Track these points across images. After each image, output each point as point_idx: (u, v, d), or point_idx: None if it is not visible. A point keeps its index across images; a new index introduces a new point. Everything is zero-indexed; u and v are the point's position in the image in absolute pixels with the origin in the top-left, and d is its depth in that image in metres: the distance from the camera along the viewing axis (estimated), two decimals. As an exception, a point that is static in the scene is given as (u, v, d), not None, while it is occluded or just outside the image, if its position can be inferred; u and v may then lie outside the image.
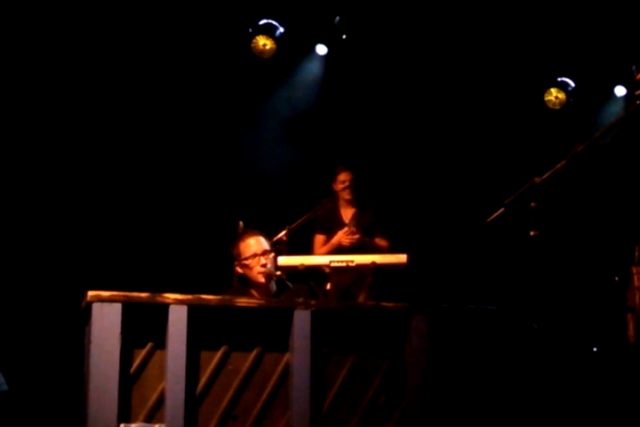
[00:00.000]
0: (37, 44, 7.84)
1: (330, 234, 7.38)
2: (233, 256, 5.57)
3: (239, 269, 5.52)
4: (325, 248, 7.28)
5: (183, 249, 7.99)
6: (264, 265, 5.42)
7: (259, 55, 8.57)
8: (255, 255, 5.43)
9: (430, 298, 7.36)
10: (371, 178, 7.82)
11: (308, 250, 7.29)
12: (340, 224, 7.40)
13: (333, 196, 7.31)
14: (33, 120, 7.85)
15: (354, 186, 7.44)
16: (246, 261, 5.44)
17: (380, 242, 7.35)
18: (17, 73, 7.76)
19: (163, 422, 4.25)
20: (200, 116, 8.38)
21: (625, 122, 4.00)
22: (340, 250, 7.13)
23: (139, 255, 7.83)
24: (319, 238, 7.43)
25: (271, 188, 8.46)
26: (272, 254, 5.53)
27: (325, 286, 6.20)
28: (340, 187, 7.43)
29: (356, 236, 7.19)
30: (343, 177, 7.41)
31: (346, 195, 7.44)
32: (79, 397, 4.59)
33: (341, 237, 7.22)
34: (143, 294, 4.33)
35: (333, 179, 7.46)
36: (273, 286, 5.52)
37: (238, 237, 5.62)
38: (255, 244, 5.49)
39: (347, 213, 7.48)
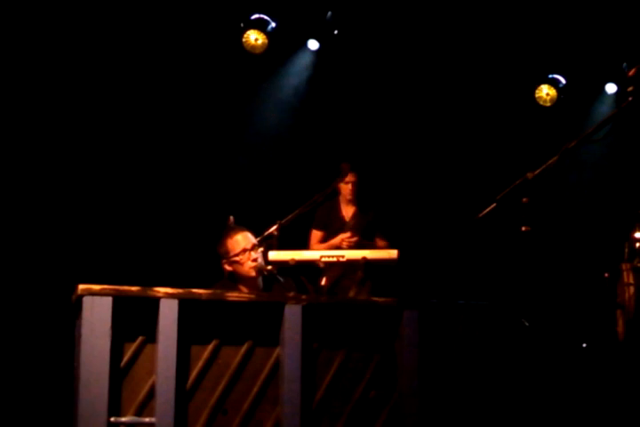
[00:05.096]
0: (27, 38, 7.82)
1: (328, 230, 7.35)
2: (220, 255, 5.56)
3: (228, 267, 5.53)
4: (323, 247, 7.24)
5: (174, 243, 7.99)
6: (255, 259, 5.44)
7: (250, 50, 8.56)
8: (245, 250, 5.45)
9: (421, 293, 7.37)
10: (370, 176, 7.80)
11: (299, 245, 7.27)
12: (340, 221, 7.38)
13: (325, 191, 7.27)
14: (23, 114, 7.82)
15: (357, 187, 7.41)
16: (236, 257, 5.45)
17: (380, 243, 7.34)
18: (14, 73, 7.73)
19: (153, 415, 4.25)
20: (190, 111, 8.37)
21: (617, 118, 4.00)
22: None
23: (129, 249, 7.82)
24: (316, 234, 7.40)
25: (262, 182, 8.45)
26: (261, 249, 5.53)
27: (320, 280, 6.21)
28: (343, 187, 7.39)
29: (355, 238, 7.16)
30: (348, 178, 7.37)
31: (348, 195, 7.42)
32: (69, 390, 4.58)
33: (342, 239, 7.18)
34: (134, 288, 4.33)
35: (339, 175, 7.39)
36: (260, 282, 5.53)
37: (224, 235, 5.61)
38: (243, 239, 5.51)
39: (347, 211, 7.46)
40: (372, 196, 7.52)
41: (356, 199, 7.46)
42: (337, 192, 7.43)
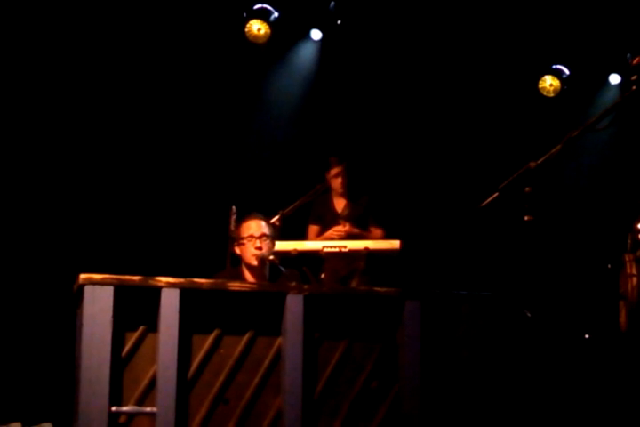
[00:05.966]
0: (27, 37, 7.81)
1: (323, 224, 7.35)
2: (234, 237, 5.64)
3: (237, 250, 5.60)
4: (318, 240, 7.23)
5: (176, 232, 7.98)
6: (259, 248, 5.46)
7: (253, 40, 8.54)
8: (252, 237, 5.49)
9: (423, 283, 7.36)
10: (363, 166, 7.78)
11: (301, 236, 7.28)
12: (333, 214, 7.37)
13: (325, 182, 7.28)
14: (26, 108, 7.81)
15: (346, 179, 7.40)
16: (242, 241, 5.49)
17: (375, 231, 7.33)
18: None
19: (154, 405, 4.25)
20: (193, 102, 8.35)
21: (621, 107, 3.98)
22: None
23: (131, 238, 7.82)
24: (313, 229, 7.40)
25: (265, 173, 8.43)
26: (269, 240, 5.54)
27: (320, 275, 6.21)
28: (333, 180, 7.39)
29: (346, 228, 7.16)
30: (335, 171, 7.37)
31: (338, 187, 7.41)
32: (70, 380, 4.58)
33: (333, 230, 7.18)
34: (135, 278, 4.33)
35: (328, 169, 7.40)
36: (267, 271, 5.55)
37: (243, 218, 5.66)
38: (255, 226, 5.56)
39: (339, 203, 7.45)
40: (363, 185, 7.50)
41: (347, 191, 7.44)
42: (330, 186, 7.41)
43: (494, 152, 8.75)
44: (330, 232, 7.16)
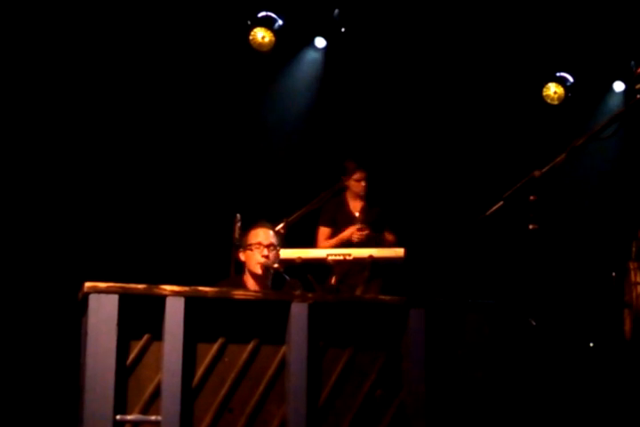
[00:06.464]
0: (27, 36, 7.82)
1: (336, 227, 7.32)
2: (240, 243, 5.65)
3: (242, 257, 5.61)
4: (333, 242, 7.19)
5: (181, 241, 7.98)
6: (265, 256, 5.48)
7: (257, 48, 8.55)
8: (260, 244, 5.52)
9: (428, 292, 7.36)
10: (376, 173, 7.77)
11: (306, 243, 7.25)
12: (349, 217, 7.33)
13: (331, 189, 7.23)
14: (30, 113, 7.82)
15: (368, 183, 7.38)
16: (249, 247, 5.49)
17: (389, 237, 7.33)
18: (17, 73, 7.72)
19: (159, 414, 4.25)
20: (197, 109, 8.36)
21: (625, 116, 3.98)
22: (346, 244, 7.05)
23: (136, 247, 7.81)
24: (324, 231, 7.35)
25: (269, 180, 8.43)
26: (276, 250, 5.56)
27: (330, 280, 6.20)
28: (354, 184, 7.35)
29: (366, 232, 7.13)
30: (359, 175, 7.33)
31: (361, 191, 7.37)
32: (75, 388, 4.58)
33: (352, 232, 7.14)
34: (140, 286, 4.33)
35: (346, 173, 7.36)
36: (270, 280, 5.55)
37: (252, 225, 5.68)
38: (263, 235, 5.60)
39: (355, 206, 7.41)
40: (378, 192, 7.49)
41: (366, 195, 7.43)
42: (343, 189, 7.38)
43: (498, 161, 8.75)
44: (348, 232, 7.13)
